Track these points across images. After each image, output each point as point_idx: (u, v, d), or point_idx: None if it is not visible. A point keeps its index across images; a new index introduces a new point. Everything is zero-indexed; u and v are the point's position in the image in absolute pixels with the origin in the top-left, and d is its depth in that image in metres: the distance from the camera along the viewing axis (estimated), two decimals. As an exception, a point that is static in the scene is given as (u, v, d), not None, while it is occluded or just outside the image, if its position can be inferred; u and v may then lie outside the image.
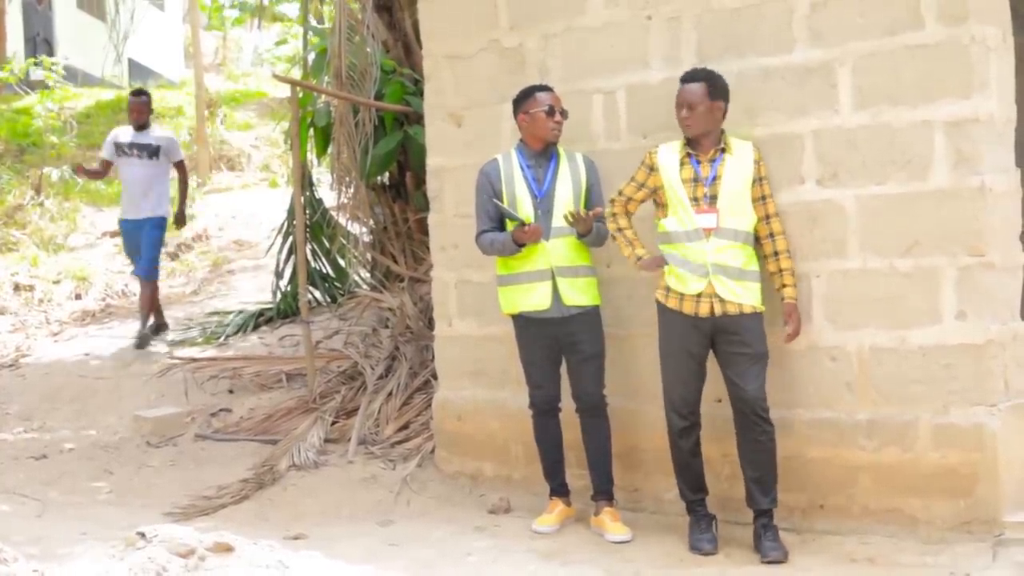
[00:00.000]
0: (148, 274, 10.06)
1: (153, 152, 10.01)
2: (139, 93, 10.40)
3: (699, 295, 5.22)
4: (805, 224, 5.40)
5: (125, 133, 10.20)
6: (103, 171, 10.64)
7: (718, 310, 5.21)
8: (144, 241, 9.94)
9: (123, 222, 10.24)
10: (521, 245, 5.64)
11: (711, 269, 5.21)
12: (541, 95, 5.74)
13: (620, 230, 5.52)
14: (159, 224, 10.06)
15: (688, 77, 5.36)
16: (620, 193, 5.53)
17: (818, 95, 5.37)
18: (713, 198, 5.25)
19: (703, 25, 5.68)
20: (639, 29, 5.88)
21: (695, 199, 5.27)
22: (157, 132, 10.34)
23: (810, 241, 5.40)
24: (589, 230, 5.61)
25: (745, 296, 5.22)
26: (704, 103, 5.28)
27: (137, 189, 10.00)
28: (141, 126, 10.09)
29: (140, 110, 10.11)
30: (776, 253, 5.33)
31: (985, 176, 5.05)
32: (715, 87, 5.30)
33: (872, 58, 5.23)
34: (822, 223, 5.37)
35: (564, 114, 5.75)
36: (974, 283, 5.07)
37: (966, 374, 5.07)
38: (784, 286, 5.32)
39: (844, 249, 5.33)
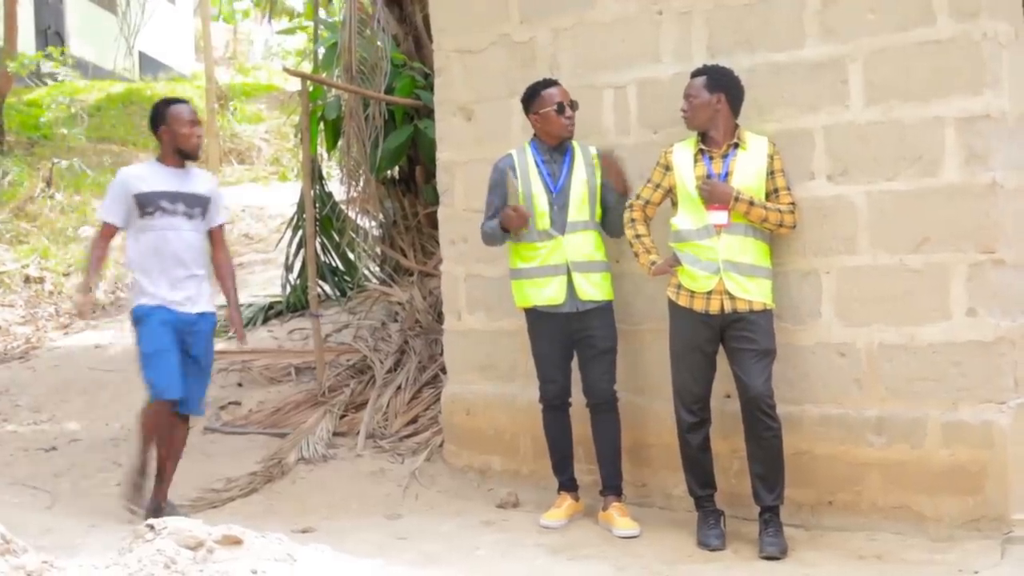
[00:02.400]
0: (201, 408, 6.41)
1: (204, 207, 6.15)
2: (182, 102, 6.28)
3: (709, 292, 5.22)
4: (815, 220, 5.39)
5: (154, 175, 6.08)
6: (103, 254, 6.27)
7: (728, 307, 5.20)
8: (206, 353, 6.18)
9: (164, 311, 5.97)
10: (506, 230, 5.64)
11: (722, 266, 5.20)
12: (547, 92, 5.72)
13: (638, 236, 5.49)
14: (214, 324, 6.27)
15: (694, 72, 5.38)
16: (638, 197, 5.52)
17: (829, 91, 5.36)
18: None
19: (714, 20, 5.67)
20: (650, 24, 5.87)
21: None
22: (198, 175, 6.34)
23: (820, 237, 5.39)
24: (624, 184, 5.68)
25: (755, 293, 5.22)
26: (701, 95, 5.28)
27: (188, 265, 6.06)
28: (184, 161, 6.17)
29: (200, 134, 6.19)
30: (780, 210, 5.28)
31: (996, 172, 5.04)
32: (715, 80, 5.29)
33: (883, 53, 5.22)
34: (832, 219, 5.36)
35: (574, 106, 5.73)
36: (984, 280, 5.05)
37: (975, 371, 5.06)
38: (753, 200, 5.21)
39: (854, 245, 5.32)
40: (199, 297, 6.08)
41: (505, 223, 5.64)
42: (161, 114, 6.12)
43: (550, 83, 5.78)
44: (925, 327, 5.17)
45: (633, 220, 5.51)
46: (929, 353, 5.16)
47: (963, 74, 5.05)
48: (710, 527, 5.32)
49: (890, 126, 5.22)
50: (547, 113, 5.70)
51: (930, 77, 5.12)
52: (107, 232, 6.12)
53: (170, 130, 6.07)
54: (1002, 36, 5.11)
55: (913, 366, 5.20)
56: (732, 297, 5.20)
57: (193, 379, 6.08)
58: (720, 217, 5.22)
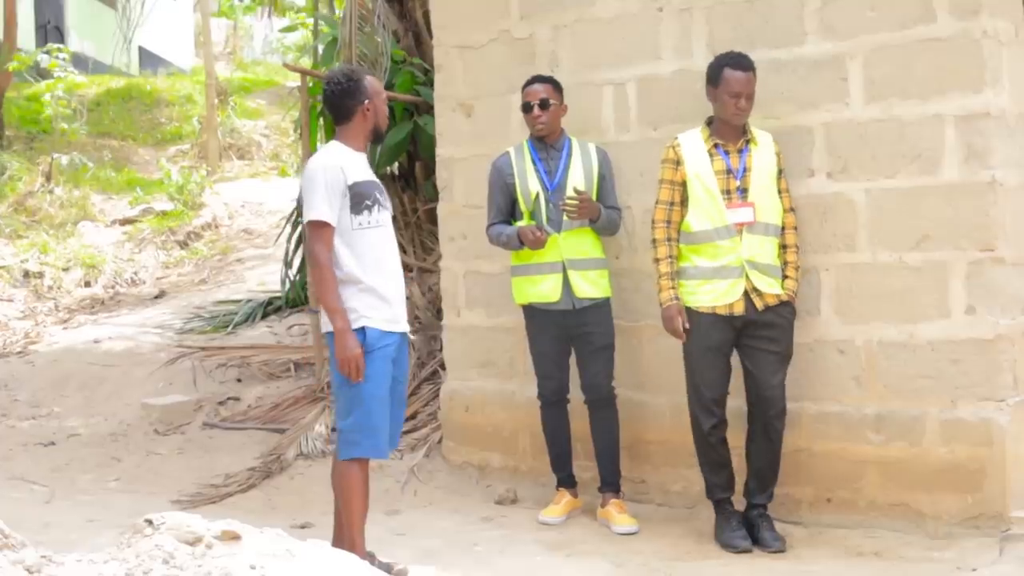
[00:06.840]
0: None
1: None
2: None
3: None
4: (815, 217, 5.38)
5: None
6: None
7: (751, 306, 5.13)
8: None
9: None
10: (523, 243, 5.64)
11: (746, 266, 5.13)
12: (524, 91, 5.77)
13: (658, 260, 5.26)
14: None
15: (741, 64, 5.16)
16: (658, 203, 5.27)
17: (829, 88, 5.35)
18: (744, 191, 5.15)
19: (714, 17, 5.67)
20: (650, 20, 5.87)
21: (727, 193, 5.16)
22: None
23: (819, 234, 5.38)
24: (596, 214, 5.58)
25: (776, 288, 5.18)
26: (753, 90, 5.18)
27: None
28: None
29: None
30: (785, 246, 5.28)
31: (996, 171, 5.03)
32: (754, 72, 5.22)
33: (883, 51, 5.22)
34: (832, 216, 5.36)
35: (544, 104, 5.69)
36: (983, 278, 5.05)
37: (974, 369, 5.06)
38: (786, 277, 5.24)
39: (853, 242, 5.32)
40: None
41: (523, 238, 5.63)
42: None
43: (531, 80, 5.79)
44: (924, 325, 5.17)
45: (655, 241, 5.28)
46: (928, 351, 5.16)
47: (963, 72, 5.05)
48: (733, 529, 5.21)
49: (890, 124, 5.22)
50: (523, 113, 5.74)
51: (930, 75, 5.12)
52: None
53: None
54: (1002, 34, 5.10)
55: (912, 364, 5.20)
56: (760, 293, 5.14)
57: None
58: (745, 215, 5.12)
